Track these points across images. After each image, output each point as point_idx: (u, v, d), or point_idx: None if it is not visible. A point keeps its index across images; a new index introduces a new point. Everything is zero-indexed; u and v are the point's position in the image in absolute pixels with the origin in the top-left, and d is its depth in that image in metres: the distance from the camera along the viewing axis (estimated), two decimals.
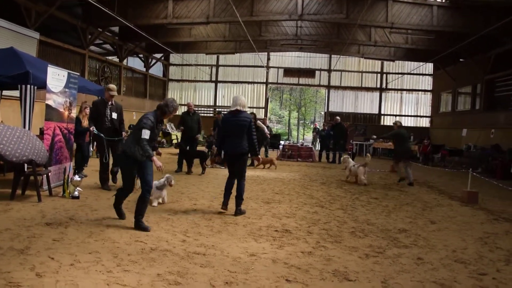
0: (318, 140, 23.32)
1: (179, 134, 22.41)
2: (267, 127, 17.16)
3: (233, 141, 6.66)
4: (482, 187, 10.71)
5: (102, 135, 7.90)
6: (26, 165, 7.01)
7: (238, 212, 6.58)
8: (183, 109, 27.26)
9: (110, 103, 8.10)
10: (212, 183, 9.89)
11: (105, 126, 8.01)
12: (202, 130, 13.27)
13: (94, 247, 4.51)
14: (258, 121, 14.37)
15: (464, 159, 16.90)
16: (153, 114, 5.53)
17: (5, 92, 11.09)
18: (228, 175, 6.89)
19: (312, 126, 25.88)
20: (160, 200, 7.09)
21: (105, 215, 6.00)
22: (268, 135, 16.07)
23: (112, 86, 8.25)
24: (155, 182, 6.63)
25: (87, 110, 9.56)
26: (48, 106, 7.59)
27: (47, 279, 3.58)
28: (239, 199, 6.66)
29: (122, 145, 6.39)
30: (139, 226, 5.37)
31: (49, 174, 7.35)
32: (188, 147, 11.66)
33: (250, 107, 24.49)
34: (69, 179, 7.34)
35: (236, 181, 6.76)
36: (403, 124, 11.63)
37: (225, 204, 6.70)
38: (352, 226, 6.20)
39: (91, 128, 8.09)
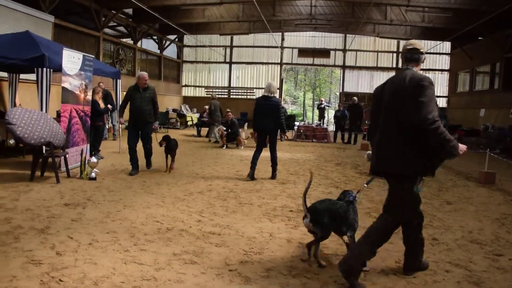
0: (324, 117, 23.14)
1: (194, 116, 22.56)
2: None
3: (262, 120, 8.04)
4: (499, 167, 10.55)
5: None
6: (44, 147, 7.14)
7: (273, 176, 8.22)
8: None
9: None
10: (227, 164, 9.94)
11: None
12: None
13: (111, 227, 4.61)
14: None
15: (481, 140, 16.62)
16: None
17: (22, 76, 11.24)
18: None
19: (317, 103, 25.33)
20: None
21: (121, 196, 6.10)
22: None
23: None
24: None
25: (101, 94, 9.67)
26: (64, 88, 7.68)
27: (67, 258, 3.68)
28: (274, 165, 8.30)
29: None
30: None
31: (67, 156, 7.48)
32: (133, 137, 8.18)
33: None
34: (86, 161, 7.46)
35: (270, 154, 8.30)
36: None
37: (250, 175, 7.98)
38: (368, 207, 6.20)
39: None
